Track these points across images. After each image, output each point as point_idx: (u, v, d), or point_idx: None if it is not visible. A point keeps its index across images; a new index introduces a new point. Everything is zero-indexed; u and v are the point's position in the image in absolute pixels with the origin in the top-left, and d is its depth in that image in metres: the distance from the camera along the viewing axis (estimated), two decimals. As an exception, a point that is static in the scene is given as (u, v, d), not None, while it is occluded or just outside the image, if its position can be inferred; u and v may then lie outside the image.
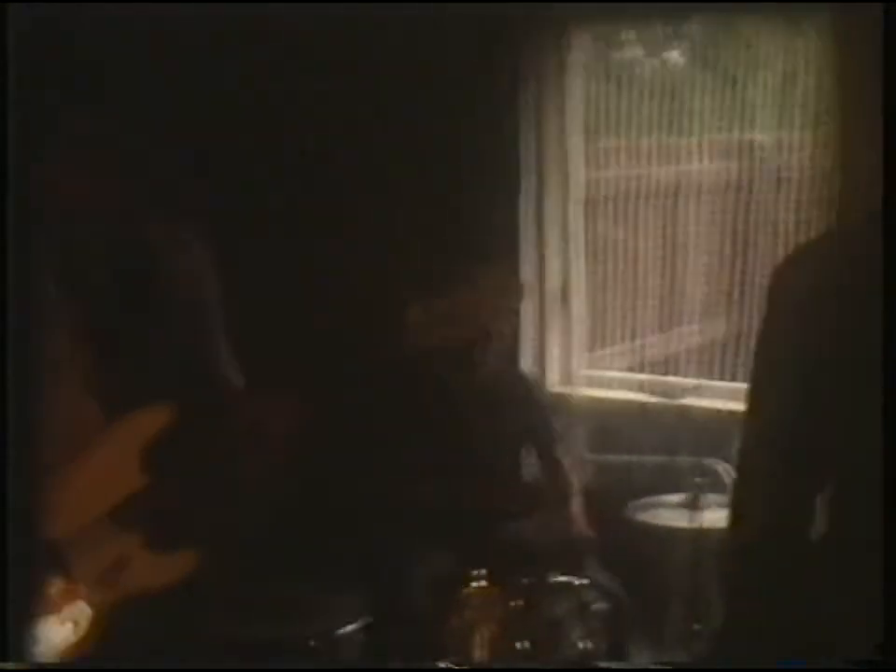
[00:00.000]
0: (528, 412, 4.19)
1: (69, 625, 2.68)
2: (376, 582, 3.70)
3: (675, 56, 4.73)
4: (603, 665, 3.29)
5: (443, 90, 4.44)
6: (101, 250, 2.74)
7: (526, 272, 4.74)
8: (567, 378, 4.88)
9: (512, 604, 3.42)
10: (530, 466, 4.25)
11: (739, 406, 2.14)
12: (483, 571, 3.41)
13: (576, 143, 4.77)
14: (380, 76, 4.44)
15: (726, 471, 3.83)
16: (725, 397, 4.34)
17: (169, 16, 3.85)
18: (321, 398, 2.83)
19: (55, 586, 2.67)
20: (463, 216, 4.52)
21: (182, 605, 2.77)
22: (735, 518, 2.09)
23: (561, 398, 4.70)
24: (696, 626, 3.64)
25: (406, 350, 3.16)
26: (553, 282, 4.84)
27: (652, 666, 3.38)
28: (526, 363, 4.75)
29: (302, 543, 3.95)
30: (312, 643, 3.40)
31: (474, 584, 3.41)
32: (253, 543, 3.16)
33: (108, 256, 2.74)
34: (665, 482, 3.96)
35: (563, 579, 3.51)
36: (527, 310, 4.70)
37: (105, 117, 2.74)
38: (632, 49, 4.83)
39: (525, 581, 3.44)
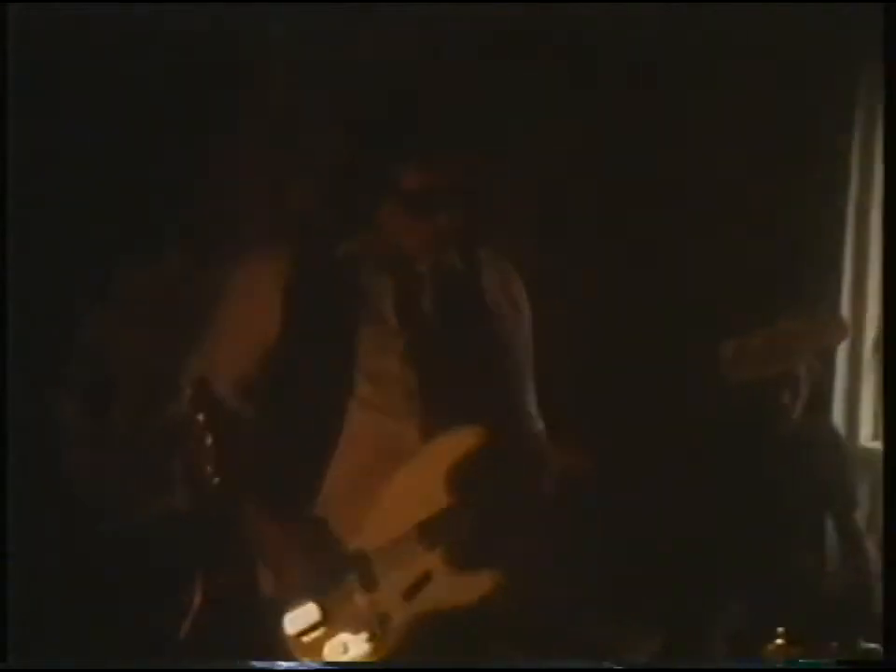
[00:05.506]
0: (833, 468, 3.98)
1: (364, 635, 2.72)
2: (671, 627, 3.60)
3: None
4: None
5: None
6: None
7: (846, 312, 4.44)
8: (879, 435, 4.61)
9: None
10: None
11: None
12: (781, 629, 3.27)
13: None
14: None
15: None
16: None
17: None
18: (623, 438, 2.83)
19: (362, 597, 2.72)
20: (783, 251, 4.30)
21: (474, 627, 2.78)
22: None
23: (872, 455, 4.41)
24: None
25: (717, 391, 3.00)
26: (870, 326, 4.58)
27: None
28: (838, 415, 4.53)
29: (599, 580, 3.85)
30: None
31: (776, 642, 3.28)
32: (550, 573, 3.10)
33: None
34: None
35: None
36: (841, 355, 4.46)
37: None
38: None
39: (834, 643, 3.28)
